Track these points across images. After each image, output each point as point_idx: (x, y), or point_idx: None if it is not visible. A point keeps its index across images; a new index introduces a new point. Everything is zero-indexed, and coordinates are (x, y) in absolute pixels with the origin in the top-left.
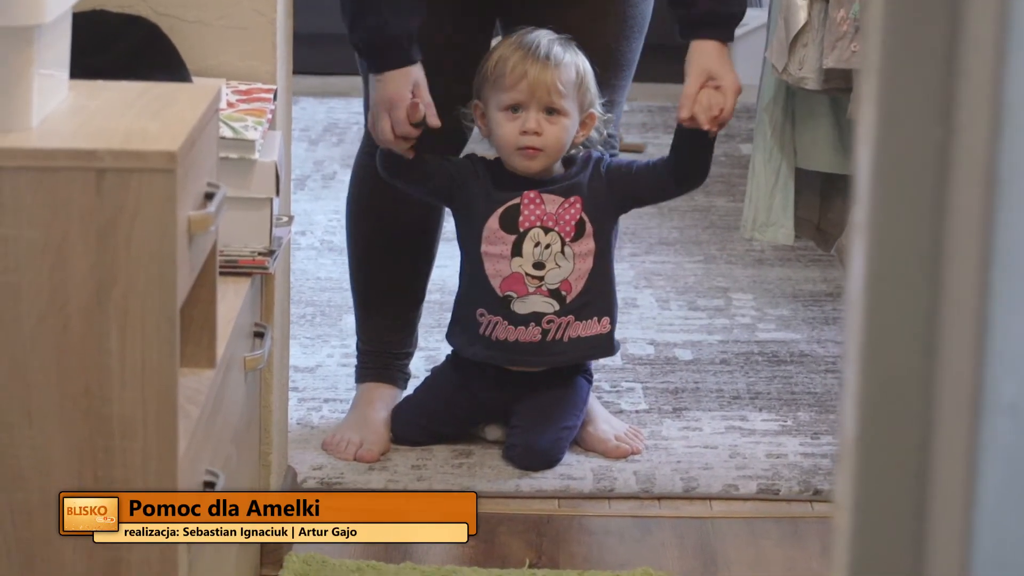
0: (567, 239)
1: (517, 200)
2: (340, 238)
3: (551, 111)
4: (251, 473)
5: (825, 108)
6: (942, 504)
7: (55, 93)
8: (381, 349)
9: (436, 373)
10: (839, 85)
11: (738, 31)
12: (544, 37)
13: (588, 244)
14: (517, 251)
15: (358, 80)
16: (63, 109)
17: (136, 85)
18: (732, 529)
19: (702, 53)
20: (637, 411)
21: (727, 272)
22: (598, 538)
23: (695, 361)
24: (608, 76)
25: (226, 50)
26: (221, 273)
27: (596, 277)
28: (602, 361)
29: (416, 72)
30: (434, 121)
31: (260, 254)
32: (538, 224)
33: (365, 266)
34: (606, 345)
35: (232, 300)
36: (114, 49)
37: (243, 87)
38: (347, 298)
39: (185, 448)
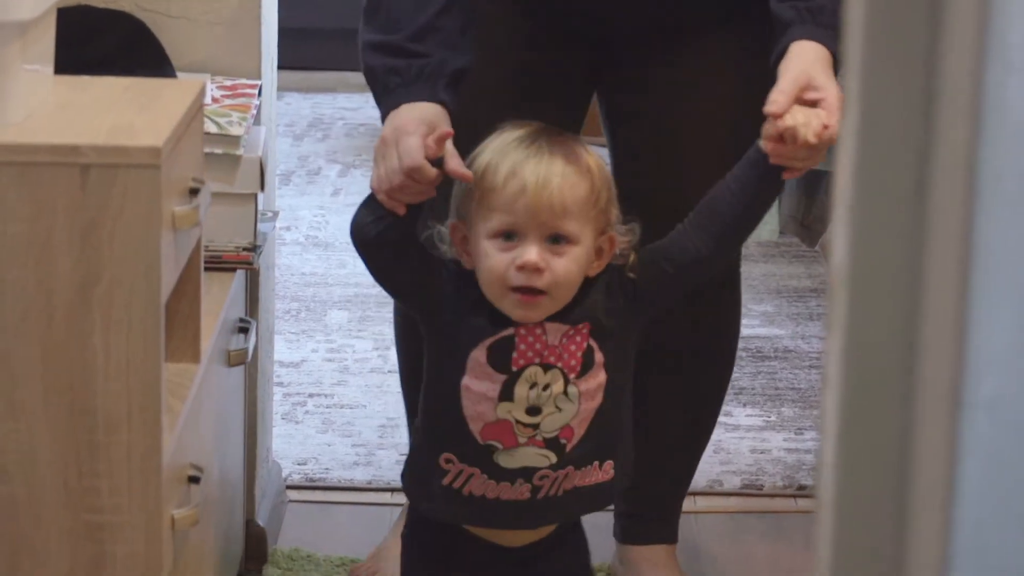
0: (572, 376)
1: (511, 331)
2: (325, 233)
3: (557, 239)
4: (236, 468)
5: None
6: (922, 499)
7: (40, 88)
8: None
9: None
10: None
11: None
12: (545, 133)
13: (597, 377)
14: (507, 394)
15: (344, 75)
16: (48, 104)
17: (121, 81)
18: (716, 524)
19: (803, 54)
20: None
21: None
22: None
23: None
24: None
25: (211, 45)
26: (206, 268)
27: (603, 415)
28: None
29: (436, 111)
30: (462, 170)
31: (245, 249)
32: (536, 361)
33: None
34: (606, 494)
35: (217, 295)
36: (99, 45)
37: (228, 82)
38: (332, 293)
39: (169, 442)
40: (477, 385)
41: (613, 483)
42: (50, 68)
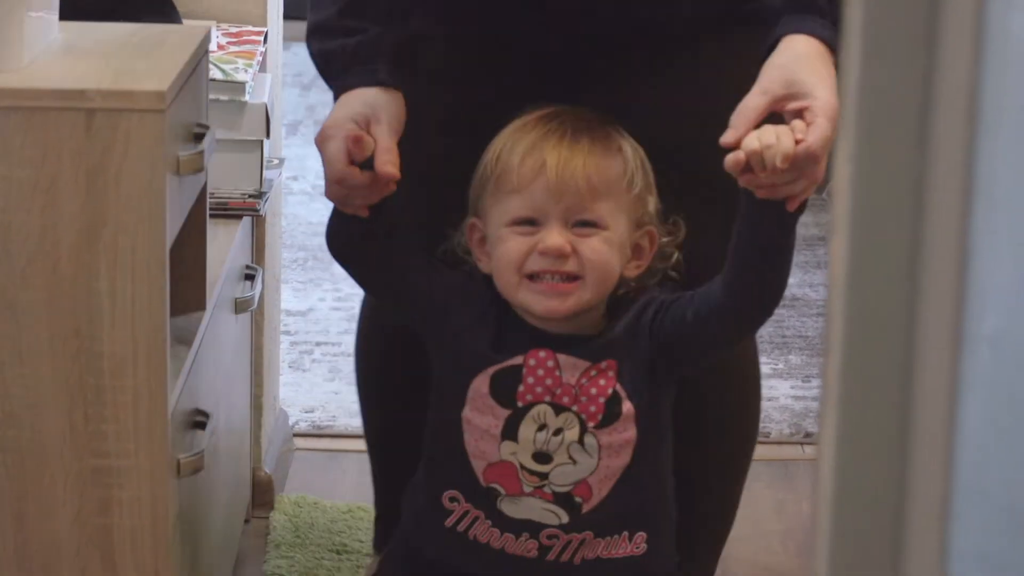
0: (591, 424)
1: (519, 360)
2: None
3: (584, 223)
4: (243, 415)
5: None
6: (924, 435)
7: (45, 34)
8: None
9: None
10: None
11: None
12: (568, 112)
13: (625, 432)
14: (510, 433)
15: None
16: (53, 50)
17: (126, 26)
18: None
19: (788, 53)
20: None
21: None
22: None
23: None
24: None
25: None
26: (211, 215)
27: (634, 478)
28: None
29: (376, 98)
30: (387, 168)
31: (251, 196)
32: (546, 399)
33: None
34: (639, 571)
35: (223, 242)
36: None
37: (233, 30)
38: None
39: (175, 388)
40: (479, 419)
41: (648, 559)
42: (55, 14)
